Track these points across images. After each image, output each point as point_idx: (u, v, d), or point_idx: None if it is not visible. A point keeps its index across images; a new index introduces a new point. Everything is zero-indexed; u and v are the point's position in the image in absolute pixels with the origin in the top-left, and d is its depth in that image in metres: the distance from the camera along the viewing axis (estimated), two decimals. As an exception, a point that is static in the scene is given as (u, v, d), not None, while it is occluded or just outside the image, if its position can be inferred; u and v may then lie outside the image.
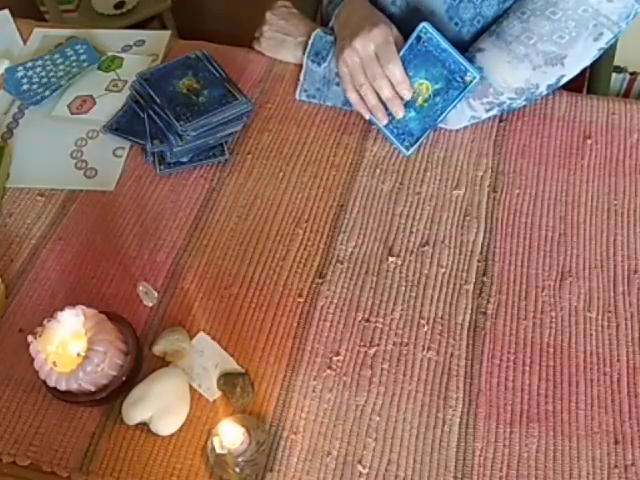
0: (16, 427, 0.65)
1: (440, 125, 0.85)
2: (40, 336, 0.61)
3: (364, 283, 0.74)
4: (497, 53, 0.78)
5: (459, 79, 0.77)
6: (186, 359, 0.68)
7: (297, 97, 0.90)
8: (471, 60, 0.79)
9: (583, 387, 0.66)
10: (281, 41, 0.94)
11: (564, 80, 0.80)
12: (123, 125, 0.86)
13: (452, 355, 0.69)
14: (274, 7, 0.95)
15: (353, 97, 0.84)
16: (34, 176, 0.85)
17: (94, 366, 0.61)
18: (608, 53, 1.09)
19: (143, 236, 0.78)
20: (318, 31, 0.89)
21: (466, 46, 0.83)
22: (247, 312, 0.72)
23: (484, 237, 0.77)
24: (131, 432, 0.65)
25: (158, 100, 0.83)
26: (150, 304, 0.73)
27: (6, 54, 0.98)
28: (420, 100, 0.81)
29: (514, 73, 0.78)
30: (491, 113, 0.84)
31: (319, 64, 0.87)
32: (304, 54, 0.89)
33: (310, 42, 0.88)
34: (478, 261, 0.75)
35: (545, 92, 0.81)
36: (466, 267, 0.75)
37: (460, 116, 0.84)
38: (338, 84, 0.87)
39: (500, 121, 0.87)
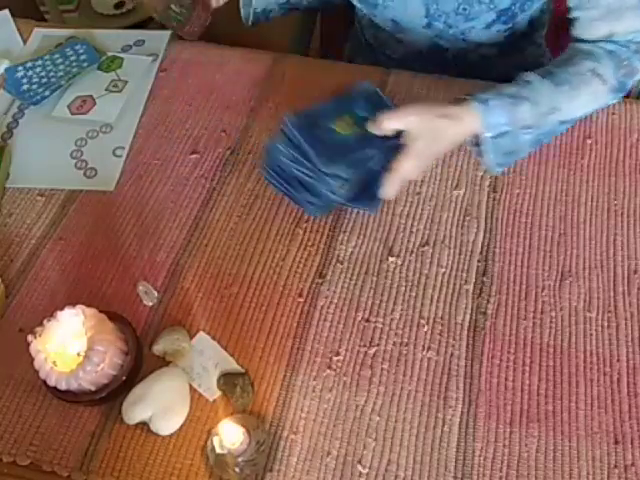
0: (16, 427, 0.65)
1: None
2: (40, 336, 0.61)
3: (364, 283, 0.74)
4: (624, 17, 0.77)
5: None
6: (186, 359, 0.68)
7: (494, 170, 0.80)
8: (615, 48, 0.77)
9: (583, 387, 0.66)
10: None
11: None
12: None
13: (452, 355, 0.69)
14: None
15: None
16: (34, 176, 0.85)
17: (94, 365, 0.61)
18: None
19: (143, 236, 0.78)
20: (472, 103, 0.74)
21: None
22: (247, 312, 0.72)
23: (484, 237, 0.77)
24: (131, 432, 0.65)
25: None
26: (150, 304, 0.73)
27: (6, 54, 0.98)
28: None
29: None
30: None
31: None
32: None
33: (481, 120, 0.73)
34: (478, 261, 0.75)
35: None
36: (466, 267, 0.75)
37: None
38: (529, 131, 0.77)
39: (500, 121, 0.87)
